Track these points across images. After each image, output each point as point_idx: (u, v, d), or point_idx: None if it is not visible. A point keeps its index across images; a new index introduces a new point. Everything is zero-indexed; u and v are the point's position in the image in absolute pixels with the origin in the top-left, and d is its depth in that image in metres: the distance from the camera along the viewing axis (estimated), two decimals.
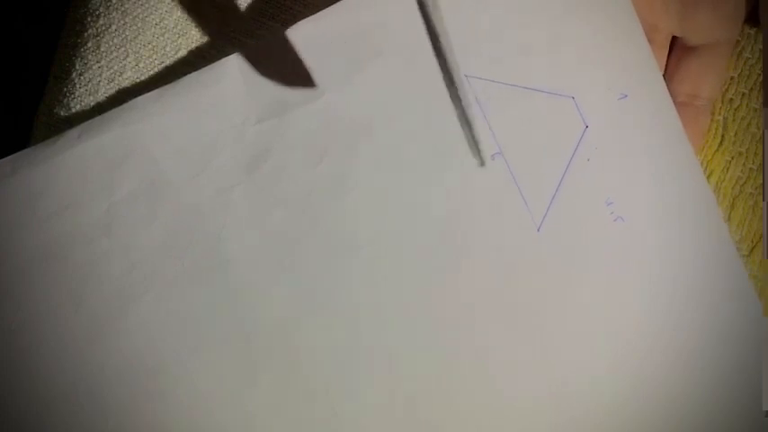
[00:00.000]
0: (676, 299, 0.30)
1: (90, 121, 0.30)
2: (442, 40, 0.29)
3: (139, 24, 0.33)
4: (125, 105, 0.30)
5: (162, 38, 0.33)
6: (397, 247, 0.30)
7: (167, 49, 0.33)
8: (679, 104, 0.32)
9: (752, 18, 0.32)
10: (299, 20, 0.30)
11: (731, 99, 0.33)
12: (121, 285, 0.30)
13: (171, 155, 0.30)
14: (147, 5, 0.33)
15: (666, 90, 0.31)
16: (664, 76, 0.32)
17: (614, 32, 0.30)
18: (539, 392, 0.30)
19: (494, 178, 0.30)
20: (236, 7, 0.33)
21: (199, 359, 0.29)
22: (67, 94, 0.33)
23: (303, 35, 0.30)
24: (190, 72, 0.30)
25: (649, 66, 0.30)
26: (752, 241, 0.32)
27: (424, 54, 0.30)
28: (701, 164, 0.32)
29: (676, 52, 0.32)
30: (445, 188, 0.30)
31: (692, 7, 0.31)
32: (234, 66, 0.30)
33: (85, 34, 0.33)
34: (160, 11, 0.33)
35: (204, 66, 0.30)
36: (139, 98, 0.30)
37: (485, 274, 0.30)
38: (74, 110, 0.33)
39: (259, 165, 0.30)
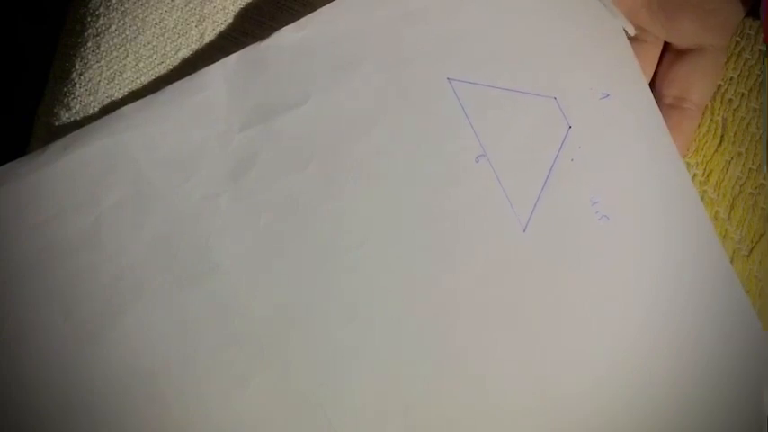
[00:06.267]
0: (662, 297, 0.30)
1: (76, 132, 0.30)
2: None
3: (139, 24, 0.33)
4: (110, 116, 0.30)
5: (162, 38, 0.33)
6: (384, 249, 0.30)
7: (167, 48, 0.33)
8: (666, 107, 0.32)
9: (753, 13, 0.32)
10: (298, 19, 0.30)
11: (731, 99, 0.33)
12: (110, 294, 0.29)
13: (157, 164, 0.30)
14: (146, 5, 0.33)
15: (648, 89, 0.31)
16: (654, 78, 0.32)
17: (595, 33, 0.31)
18: (531, 395, 0.29)
19: (478, 180, 0.30)
20: (236, 7, 0.33)
21: (189, 366, 0.29)
22: (67, 94, 0.33)
23: (288, 40, 0.30)
24: (189, 72, 0.31)
25: (631, 65, 0.31)
26: (752, 241, 0.32)
27: (407, 58, 0.30)
28: (701, 164, 0.33)
29: (667, 55, 0.32)
30: (431, 190, 0.30)
31: (677, 14, 0.31)
32: (217, 74, 0.30)
33: (85, 34, 0.33)
34: (160, 11, 0.33)
35: (204, 66, 0.30)
36: (124, 108, 0.30)
37: (473, 275, 0.30)
38: (74, 110, 0.33)
39: (245, 171, 0.30)
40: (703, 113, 0.33)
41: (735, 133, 0.33)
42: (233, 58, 0.30)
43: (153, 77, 0.33)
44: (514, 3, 0.31)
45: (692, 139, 0.33)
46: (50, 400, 0.29)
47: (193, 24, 0.33)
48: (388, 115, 0.30)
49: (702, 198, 0.32)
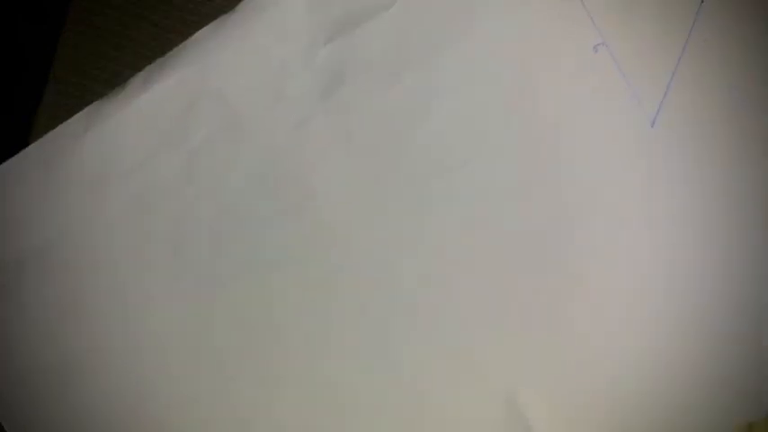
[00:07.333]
0: None
1: (151, 65, 0.29)
2: None
3: (139, 23, 0.33)
4: (183, 45, 0.29)
5: (161, 38, 0.33)
6: (495, 163, 0.27)
7: (166, 50, 0.33)
8: None
9: None
10: None
11: None
12: (215, 230, 0.28)
13: (240, 91, 0.28)
14: (147, 5, 0.33)
15: None
16: None
17: None
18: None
19: (597, 72, 0.27)
20: None
21: (298, 292, 0.28)
22: (67, 95, 0.33)
23: None
24: None
25: None
26: None
27: None
28: None
29: None
30: (543, 93, 0.27)
31: None
32: None
33: (85, 34, 0.33)
34: (160, 10, 0.33)
35: None
36: (197, 34, 0.28)
37: (594, 180, 0.27)
38: (74, 110, 0.32)
39: (334, 90, 0.28)
40: None
41: None
42: None
43: None
44: None
45: None
46: (166, 336, 0.29)
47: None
48: (490, 7, 0.27)
49: None
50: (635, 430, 0.29)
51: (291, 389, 0.28)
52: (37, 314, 0.29)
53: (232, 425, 0.29)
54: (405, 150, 0.28)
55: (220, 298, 0.29)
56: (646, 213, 0.28)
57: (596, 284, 0.28)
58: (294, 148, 0.28)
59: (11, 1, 0.34)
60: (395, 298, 0.28)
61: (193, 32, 0.33)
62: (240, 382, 0.28)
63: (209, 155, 0.28)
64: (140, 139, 0.29)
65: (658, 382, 0.29)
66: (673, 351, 0.29)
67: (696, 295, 0.29)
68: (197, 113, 0.28)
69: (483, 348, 0.28)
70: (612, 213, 0.28)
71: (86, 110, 0.29)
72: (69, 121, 0.29)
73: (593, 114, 0.27)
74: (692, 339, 0.29)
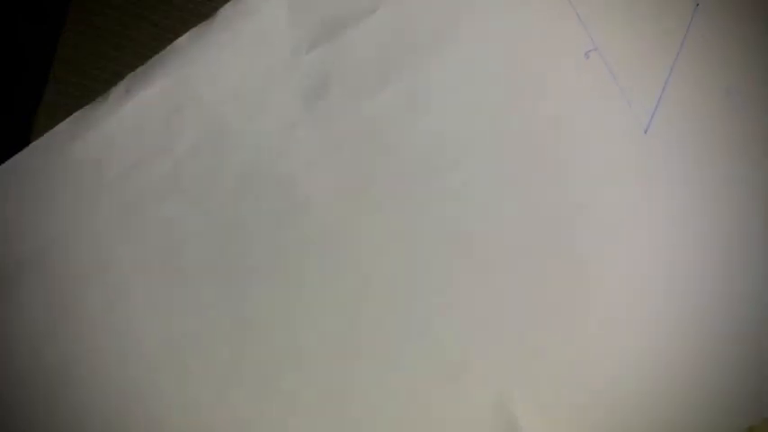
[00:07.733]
0: None
1: (134, 73, 0.29)
2: None
3: (139, 23, 0.33)
4: (164, 52, 0.29)
5: (161, 38, 0.33)
6: (486, 167, 0.27)
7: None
8: None
9: None
10: None
11: None
12: (205, 239, 0.28)
13: (225, 98, 0.28)
14: (147, 5, 0.33)
15: None
16: None
17: None
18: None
19: (589, 78, 0.27)
20: None
21: (290, 304, 0.28)
22: (67, 95, 0.33)
23: None
24: None
25: None
26: None
27: None
28: None
29: None
30: (534, 98, 0.27)
31: None
32: None
33: (85, 34, 0.33)
34: (160, 10, 0.33)
35: None
36: (178, 40, 0.28)
37: (587, 187, 0.27)
38: (74, 110, 0.33)
39: (319, 96, 0.28)
40: None
41: None
42: None
43: None
44: None
45: None
46: (165, 336, 0.28)
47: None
48: (476, 12, 0.27)
49: None
50: (635, 430, 0.29)
51: (288, 390, 0.28)
52: (37, 314, 0.29)
53: (232, 425, 0.29)
54: (396, 153, 0.28)
55: (219, 299, 0.29)
56: (646, 213, 0.28)
57: (596, 285, 0.28)
58: (281, 152, 0.28)
59: (11, 1, 0.34)
60: (391, 299, 0.28)
61: None
62: (239, 383, 0.29)
63: (196, 162, 0.28)
64: (126, 147, 0.29)
65: (658, 382, 0.29)
66: (673, 351, 0.29)
67: (696, 295, 0.29)
68: (181, 120, 0.28)
69: (481, 348, 0.28)
70: (612, 213, 0.28)
71: (73, 117, 0.29)
72: (57, 127, 0.29)
73: (590, 115, 0.27)
74: (692, 339, 0.29)
